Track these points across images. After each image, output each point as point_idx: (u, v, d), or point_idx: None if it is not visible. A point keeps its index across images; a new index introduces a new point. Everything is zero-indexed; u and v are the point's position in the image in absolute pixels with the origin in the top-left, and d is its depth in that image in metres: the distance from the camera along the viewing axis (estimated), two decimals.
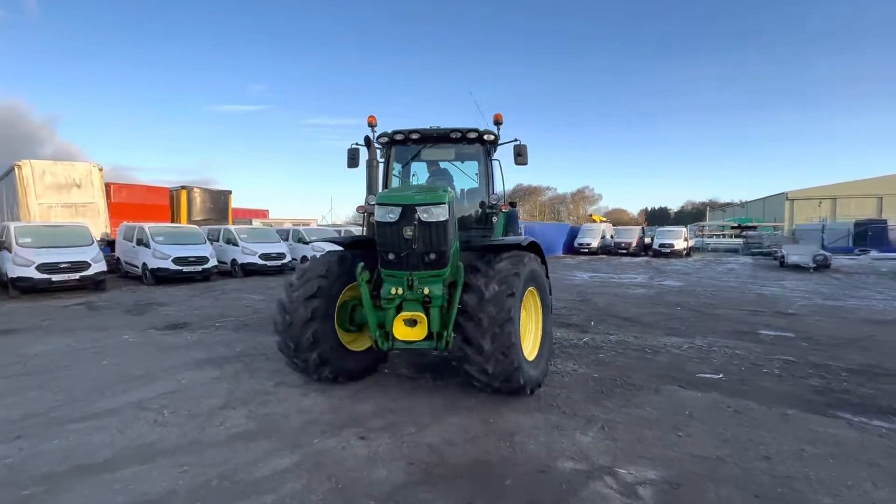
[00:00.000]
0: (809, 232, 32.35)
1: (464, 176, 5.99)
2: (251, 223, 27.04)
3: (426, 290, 4.05)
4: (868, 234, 29.77)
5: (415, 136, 5.52)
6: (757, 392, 4.55)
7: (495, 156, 5.78)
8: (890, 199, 52.76)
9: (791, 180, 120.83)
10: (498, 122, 5.60)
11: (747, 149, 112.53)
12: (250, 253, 15.23)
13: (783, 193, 59.49)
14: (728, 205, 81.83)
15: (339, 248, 5.06)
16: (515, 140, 5.55)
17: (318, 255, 5.27)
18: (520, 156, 5.51)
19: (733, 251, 35.80)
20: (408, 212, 4.02)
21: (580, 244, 31.61)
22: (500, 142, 5.68)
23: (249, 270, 15.29)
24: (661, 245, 29.30)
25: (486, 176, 5.76)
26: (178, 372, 5.16)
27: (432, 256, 4.10)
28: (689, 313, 9.11)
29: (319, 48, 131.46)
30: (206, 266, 13.65)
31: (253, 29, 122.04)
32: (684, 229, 31.60)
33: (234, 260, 15.36)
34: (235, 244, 15.48)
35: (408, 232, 4.03)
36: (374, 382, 4.82)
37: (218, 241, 16.07)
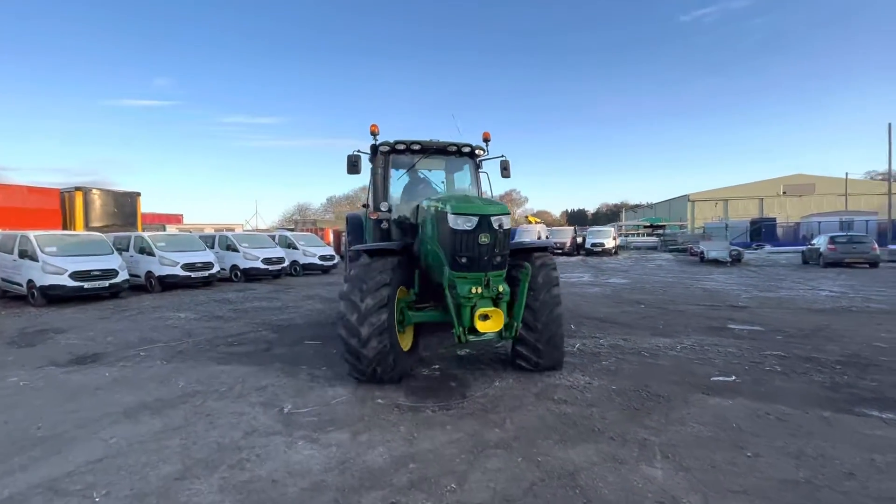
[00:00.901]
0: (715, 230, 36.03)
1: (439, 184, 6.78)
2: (165, 229, 23.89)
3: (500, 288, 4.54)
4: (762, 231, 33.84)
5: (415, 147, 6.16)
6: (778, 394, 4.41)
7: (483, 169, 6.65)
8: (769, 200, 60.79)
9: (693, 183, 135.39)
10: (486, 140, 6.46)
11: (653, 154, 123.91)
12: (170, 263, 13.15)
13: (686, 195, 66.01)
14: (638, 206, 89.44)
15: (373, 252, 5.11)
16: (502, 156, 6.45)
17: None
18: (505, 170, 6.48)
19: (652, 248, 38.76)
20: (483, 221, 4.52)
21: None
22: (487, 156, 6.52)
23: (169, 284, 13.21)
24: (594, 244, 30.80)
25: (476, 186, 6.59)
26: (101, 427, 3.88)
27: (499, 259, 4.68)
28: (656, 311, 9.23)
29: (232, 41, 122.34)
30: (114, 280, 11.48)
31: (154, 18, 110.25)
32: (613, 229, 33.52)
33: (149, 272, 13.17)
34: (151, 254, 13.29)
35: (483, 238, 4.52)
36: (371, 416, 3.97)
37: (128, 250, 13.72)
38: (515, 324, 4.59)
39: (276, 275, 16.70)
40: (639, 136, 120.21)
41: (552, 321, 4.93)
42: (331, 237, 28.48)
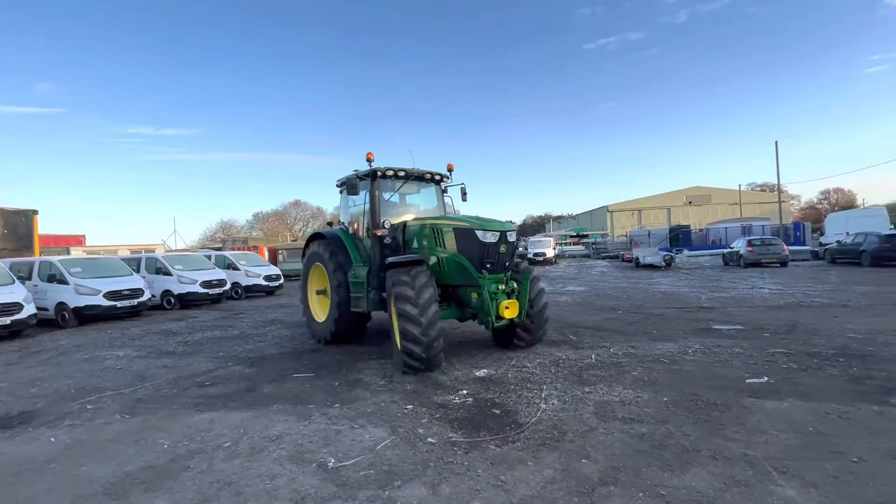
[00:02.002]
0: (639, 237, 39.08)
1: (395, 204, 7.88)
2: (69, 252, 20.52)
3: (514, 285, 6.10)
4: (680, 237, 37.30)
5: (401, 174, 7.25)
6: (816, 391, 4.52)
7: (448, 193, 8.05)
8: (675, 209, 67.63)
9: (611, 195, 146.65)
10: (450, 170, 7.84)
11: (571, 168, 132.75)
12: (89, 292, 11.12)
13: (605, 206, 71.32)
14: (561, 217, 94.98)
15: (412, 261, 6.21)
16: (462, 183, 7.86)
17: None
18: (464, 194, 7.88)
19: (585, 256, 41.09)
20: (502, 235, 6.12)
21: None
22: (451, 183, 7.90)
23: (89, 317, 11.16)
24: (536, 254, 31.81)
25: (442, 207, 7.97)
26: None
27: (509, 263, 6.32)
28: (636, 316, 9.46)
29: (129, 43, 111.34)
30: (18, 316, 9.40)
31: (35, 15, 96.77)
32: (552, 239, 34.92)
33: (62, 304, 11.02)
34: (63, 282, 11.14)
35: (502, 248, 6.12)
36: (434, 461, 3.38)
37: (31, 279, 11.40)
38: (523, 310, 6.03)
39: (217, 299, 14.93)
40: (556, 153, 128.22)
41: (543, 309, 6.63)
42: (266, 255, 26.40)
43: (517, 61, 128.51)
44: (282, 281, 17.96)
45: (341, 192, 8.08)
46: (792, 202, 68.41)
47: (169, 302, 13.90)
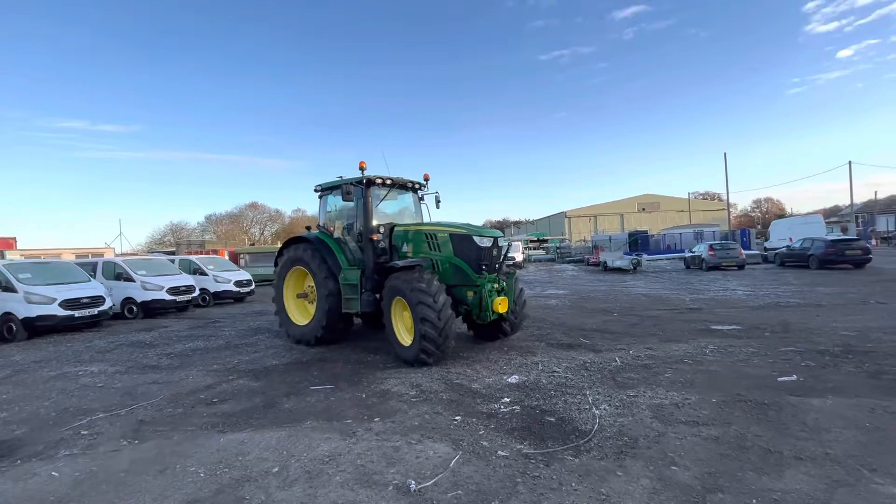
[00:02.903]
0: (601, 242, 40.54)
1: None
2: (4, 256, 18.35)
3: (504, 284, 6.90)
4: (638, 242, 39.07)
5: (389, 182, 7.71)
6: (849, 388, 4.70)
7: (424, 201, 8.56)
8: (628, 215, 70.91)
9: (568, 201, 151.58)
10: (427, 179, 8.33)
11: (530, 175, 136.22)
12: (42, 300, 9.90)
13: (563, 212, 73.64)
14: (519, 222, 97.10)
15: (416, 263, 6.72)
16: (436, 192, 8.40)
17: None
18: (438, 202, 8.42)
19: (550, 260, 42.06)
20: (495, 241, 6.83)
21: None
22: (427, 192, 8.45)
23: (42, 328, 9.93)
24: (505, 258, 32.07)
25: (419, 213, 8.47)
26: None
27: (498, 266, 6.94)
28: (633, 318, 9.65)
29: (57, 34, 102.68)
30: None
31: None
32: (520, 243, 35.43)
33: (8, 314, 9.73)
34: (11, 289, 9.84)
35: (494, 252, 6.84)
36: (519, 476, 3.17)
37: None
38: (511, 305, 7.03)
39: (184, 307, 13.82)
40: (512, 159, 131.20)
41: (523, 305, 7.56)
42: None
43: (473, 69, 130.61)
44: (253, 286, 16.94)
45: (321, 196, 8.41)
46: (730, 209, 73.66)
47: (131, 311, 12.69)
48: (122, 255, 27.49)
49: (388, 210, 8.17)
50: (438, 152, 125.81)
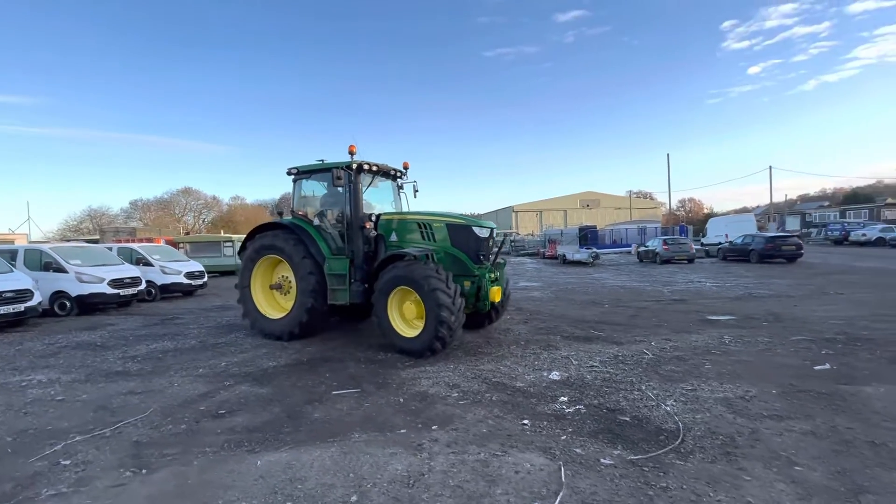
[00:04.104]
0: (553, 236, 41.70)
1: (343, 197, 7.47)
2: None
3: (497, 274, 7.12)
4: (588, 237, 40.64)
5: (374, 168, 7.34)
6: (885, 375, 4.86)
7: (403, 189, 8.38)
8: (571, 211, 73.98)
9: (515, 196, 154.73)
10: (406, 168, 8.12)
11: (477, 169, 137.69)
12: None
13: (510, 207, 75.24)
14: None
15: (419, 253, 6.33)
16: (414, 181, 8.18)
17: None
18: (416, 191, 8.16)
19: (506, 253, 42.63)
20: (491, 232, 6.81)
21: None
22: (406, 181, 8.25)
23: None
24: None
25: (398, 202, 8.28)
26: None
27: (493, 256, 7.03)
28: (627, 309, 9.74)
29: None
30: None
31: None
32: None
33: None
34: None
35: (490, 243, 6.86)
36: (638, 487, 2.82)
37: None
38: (502, 295, 7.28)
39: (127, 302, 12.10)
40: (458, 152, 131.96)
41: (509, 294, 7.89)
42: None
43: (418, 61, 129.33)
44: (206, 279, 15.29)
45: (295, 180, 7.74)
46: (660, 208, 79.21)
47: (63, 306, 10.86)
48: (36, 242, 23.83)
49: (368, 198, 7.76)
50: (381, 142, 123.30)
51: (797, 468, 3.02)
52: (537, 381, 5.08)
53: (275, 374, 5.66)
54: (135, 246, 14.74)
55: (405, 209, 7.99)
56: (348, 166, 6.90)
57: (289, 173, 7.69)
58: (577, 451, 3.38)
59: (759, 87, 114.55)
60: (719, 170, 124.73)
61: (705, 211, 79.66)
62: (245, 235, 7.98)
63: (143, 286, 12.37)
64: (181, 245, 24.64)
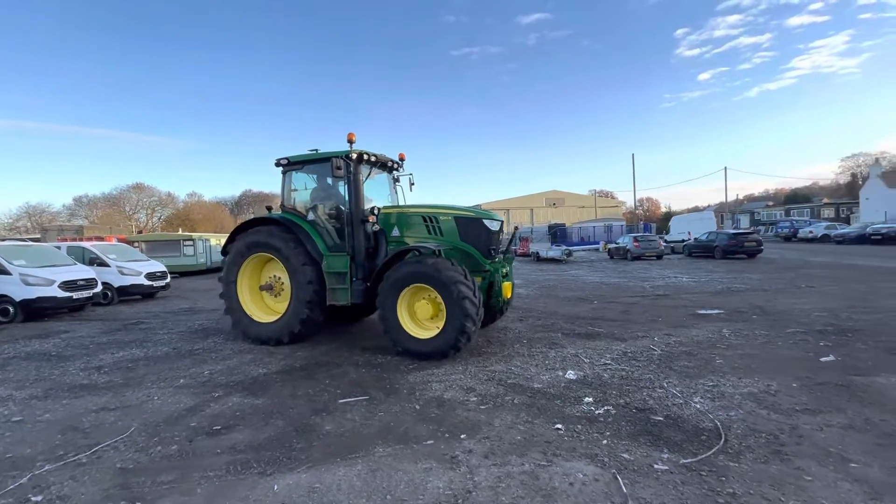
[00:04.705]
0: (526, 233, 42.18)
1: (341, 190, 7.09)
2: None
3: (508, 269, 6.85)
4: (558, 234, 41.38)
5: (372, 159, 6.89)
6: (887, 365, 4.99)
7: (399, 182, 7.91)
8: (537, 210, 75.32)
9: (482, 194, 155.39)
10: (402, 160, 7.68)
11: (442, 168, 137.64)
12: None
13: (478, 205, 75.54)
14: None
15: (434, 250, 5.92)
16: (410, 173, 7.69)
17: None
18: (412, 184, 7.61)
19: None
20: (501, 225, 6.51)
21: None
22: (402, 173, 7.79)
23: None
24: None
25: (393, 194, 7.83)
26: None
27: (503, 249, 6.80)
28: (617, 305, 9.77)
29: None
30: None
31: None
32: None
33: None
34: None
35: (501, 236, 6.56)
36: (712, 493, 2.64)
37: None
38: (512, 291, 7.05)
39: (80, 306, 11.00)
40: (424, 151, 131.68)
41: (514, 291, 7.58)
42: None
43: (384, 59, 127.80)
44: (168, 280, 14.20)
45: (285, 172, 7.15)
46: (621, 206, 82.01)
47: (5, 312, 9.70)
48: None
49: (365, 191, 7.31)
50: (344, 140, 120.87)
51: (853, 465, 2.94)
52: (554, 381, 4.88)
53: (268, 383, 5.17)
54: (87, 245, 13.47)
55: (401, 203, 7.58)
56: (347, 156, 6.41)
57: (278, 164, 7.09)
58: (625, 456, 3.17)
59: (709, 93, 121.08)
60: (673, 171, 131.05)
61: (662, 210, 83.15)
62: (231, 231, 7.36)
63: (98, 288, 11.29)
64: (136, 244, 22.99)
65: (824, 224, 32.88)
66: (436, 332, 5.75)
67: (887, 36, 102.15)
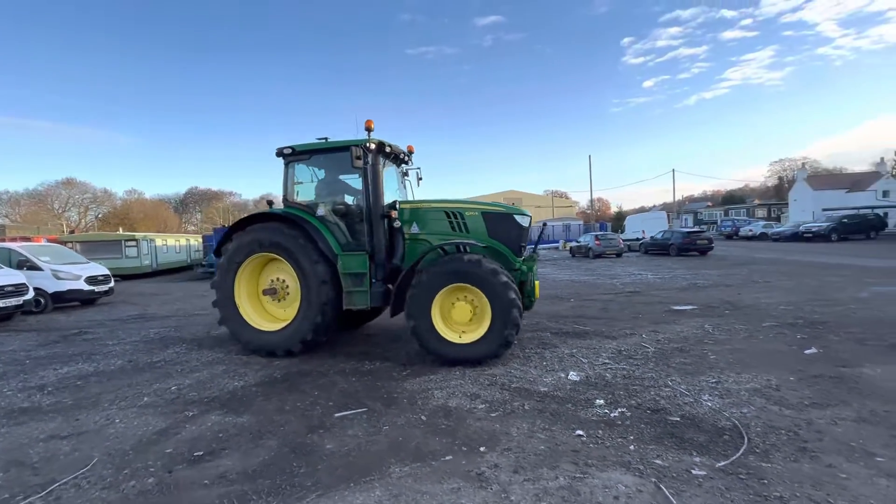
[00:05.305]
0: None
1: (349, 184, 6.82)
2: None
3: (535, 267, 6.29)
4: None
5: (388, 150, 6.38)
6: (865, 356, 5.22)
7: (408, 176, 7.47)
8: None
9: (440, 194, 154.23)
10: (411, 152, 7.16)
11: None
12: None
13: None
14: None
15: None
16: (418, 168, 7.34)
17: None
18: (420, 179, 7.32)
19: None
20: (529, 221, 6.25)
21: None
22: (410, 167, 7.34)
23: None
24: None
25: (403, 190, 7.29)
26: None
27: (534, 247, 7.00)
28: (594, 303, 9.87)
29: None
30: None
31: None
32: None
33: None
34: None
35: (529, 232, 6.34)
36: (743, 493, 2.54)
37: None
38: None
39: (8, 315, 9.70)
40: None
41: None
42: None
43: (339, 57, 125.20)
44: (112, 284, 12.90)
45: (288, 163, 6.42)
46: (575, 206, 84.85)
47: None
48: None
49: (347, 182, 6.77)
50: (302, 137, 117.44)
51: (879, 459, 2.96)
52: (558, 383, 4.72)
53: (248, 397, 4.66)
54: (14, 246, 11.94)
55: (409, 198, 7.07)
56: (366, 145, 5.80)
57: (280, 154, 6.35)
58: (658, 462, 3.04)
59: (653, 100, 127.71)
60: (623, 172, 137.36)
61: (613, 210, 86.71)
62: (226, 229, 6.58)
63: (29, 295, 10.01)
64: (69, 245, 20.90)
65: (762, 223, 35.51)
66: (466, 334, 5.44)
67: (806, 52, 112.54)
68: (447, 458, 3.23)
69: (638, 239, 28.97)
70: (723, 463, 3.00)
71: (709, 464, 3.00)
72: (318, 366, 5.71)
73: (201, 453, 3.44)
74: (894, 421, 3.51)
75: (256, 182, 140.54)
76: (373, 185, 5.89)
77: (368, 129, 5.88)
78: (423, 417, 3.97)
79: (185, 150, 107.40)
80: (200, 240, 28.33)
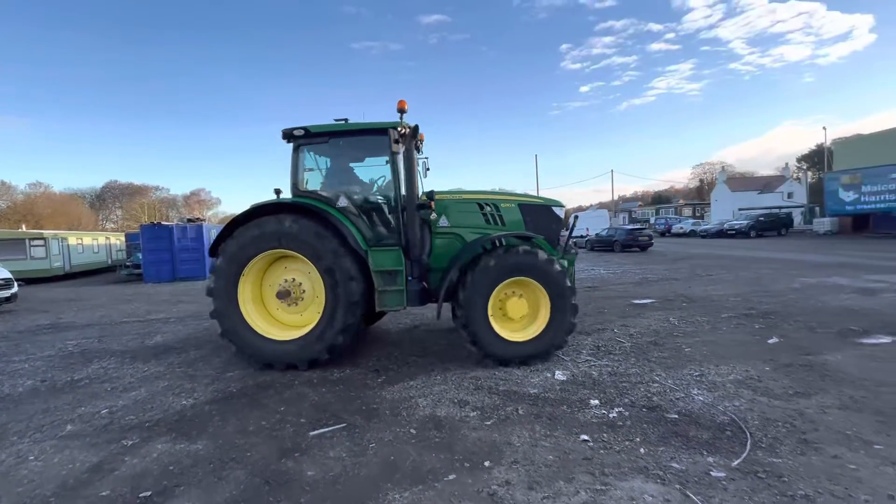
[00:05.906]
0: None
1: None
2: None
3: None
4: None
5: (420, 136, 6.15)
6: (822, 343, 5.53)
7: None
8: None
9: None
10: (421, 140, 6.49)
11: None
12: None
13: None
14: None
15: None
16: (426, 157, 6.62)
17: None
18: (428, 169, 6.65)
19: None
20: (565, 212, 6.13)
21: None
22: (420, 156, 6.48)
23: None
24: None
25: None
26: None
27: (566, 241, 6.06)
28: None
29: None
30: None
31: None
32: None
33: None
34: None
35: (564, 223, 6.10)
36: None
37: None
38: None
39: None
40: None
41: None
42: None
43: (277, 43, 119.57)
44: (15, 289, 11.10)
45: (297, 148, 5.60)
46: None
47: None
48: None
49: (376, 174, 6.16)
50: (240, 133, 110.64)
51: (877, 447, 3.01)
52: (546, 384, 4.53)
53: (201, 418, 4.01)
54: None
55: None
56: (399, 127, 5.29)
57: (288, 137, 5.52)
58: (674, 465, 2.89)
59: (588, 105, 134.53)
60: (563, 172, 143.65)
61: None
62: (224, 224, 5.59)
63: None
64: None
65: (691, 221, 38.41)
66: (518, 333, 5.18)
67: (721, 66, 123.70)
68: (450, 477, 2.88)
69: (583, 236, 30.15)
70: (737, 462, 2.91)
71: (723, 463, 2.90)
72: (280, 376, 5.10)
73: (149, 493, 2.83)
74: (874, 406, 3.64)
75: (186, 177, 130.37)
76: (408, 173, 5.23)
77: (402, 111, 5.39)
78: (412, 431, 3.59)
79: (104, 141, 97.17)
80: (123, 238, 25.55)
